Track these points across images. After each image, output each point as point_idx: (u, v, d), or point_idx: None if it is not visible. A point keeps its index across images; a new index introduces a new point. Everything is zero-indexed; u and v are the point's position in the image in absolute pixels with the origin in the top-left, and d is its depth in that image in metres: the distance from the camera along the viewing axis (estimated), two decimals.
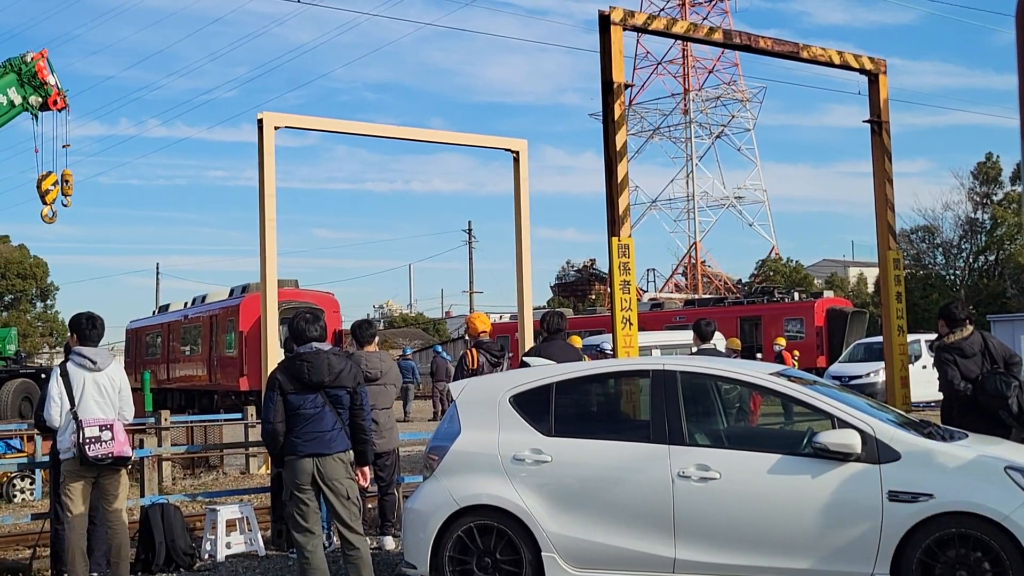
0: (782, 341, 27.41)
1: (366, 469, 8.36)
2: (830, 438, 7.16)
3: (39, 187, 27.94)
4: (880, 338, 27.12)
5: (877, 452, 7.12)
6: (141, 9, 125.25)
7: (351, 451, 8.12)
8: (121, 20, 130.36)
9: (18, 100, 27.32)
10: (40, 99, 27.72)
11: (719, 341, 20.04)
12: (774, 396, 8.06)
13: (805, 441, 7.44)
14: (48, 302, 71.25)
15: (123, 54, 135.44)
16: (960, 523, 6.86)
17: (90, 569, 8.96)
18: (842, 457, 7.14)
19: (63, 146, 28.45)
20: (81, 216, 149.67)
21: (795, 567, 7.18)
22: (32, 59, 27.73)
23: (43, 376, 29.88)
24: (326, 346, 8.19)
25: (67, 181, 28.33)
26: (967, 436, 7.75)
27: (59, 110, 28.28)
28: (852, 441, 7.11)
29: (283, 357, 11.09)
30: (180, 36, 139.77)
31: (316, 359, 8.00)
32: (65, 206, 28.56)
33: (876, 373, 26.53)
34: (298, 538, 8.04)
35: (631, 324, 11.72)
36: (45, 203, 28.04)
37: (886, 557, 6.94)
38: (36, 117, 28.04)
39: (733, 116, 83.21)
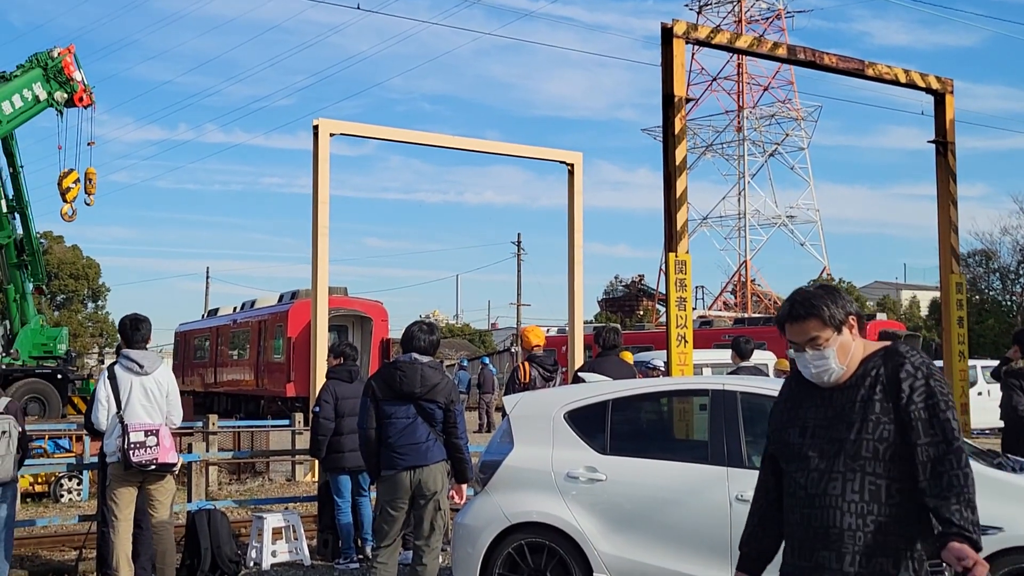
0: None
1: (463, 486, 8.25)
2: None
3: (60, 184, 27.95)
4: (936, 363, 26.69)
5: None
6: (201, 15, 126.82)
7: (448, 462, 8.02)
8: (181, 25, 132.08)
9: (43, 96, 27.33)
10: (65, 95, 27.71)
11: (769, 361, 19.73)
12: None
13: None
14: (99, 303, 72.11)
15: (183, 59, 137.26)
16: None
17: (135, 574, 8.87)
18: None
19: (88, 144, 28.52)
20: (136, 219, 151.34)
21: None
22: (58, 54, 27.70)
23: (59, 377, 29.82)
24: (425, 358, 8.04)
25: (90, 179, 28.28)
26: None
27: (85, 107, 28.26)
28: None
29: (330, 362, 11.05)
30: (239, 42, 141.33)
31: (410, 368, 7.90)
32: (88, 204, 28.61)
33: None
34: (377, 552, 7.98)
35: (686, 341, 11.52)
36: (65, 201, 28.08)
37: None
38: (61, 113, 28.03)
39: (787, 134, 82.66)
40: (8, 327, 31.33)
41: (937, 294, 60.12)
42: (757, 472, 7.21)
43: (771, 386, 8.32)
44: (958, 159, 13.92)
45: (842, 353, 3.87)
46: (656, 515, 7.53)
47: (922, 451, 3.69)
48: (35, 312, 31.68)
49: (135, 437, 8.51)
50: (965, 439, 8.60)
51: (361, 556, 10.75)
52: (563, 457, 7.81)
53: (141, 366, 8.72)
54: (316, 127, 15.93)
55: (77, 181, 27.95)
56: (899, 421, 3.73)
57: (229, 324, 39.13)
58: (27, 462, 9.91)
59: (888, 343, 3.95)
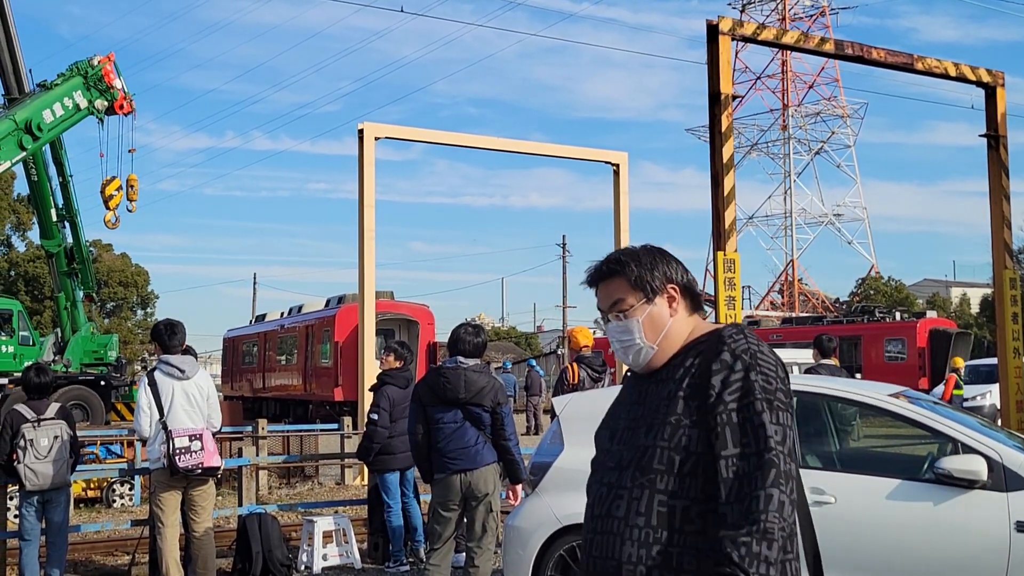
0: (960, 362, 24.98)
1: (518, 487, 8.23)
2: (954, 464, 6.78)
3: (103, 192, 28.16)
4: (986, 360, 26.33)
5: (1004, 480, 6.73)
6: (246, 23, 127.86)
7: (499, 463, 8.01)
8: (226, 34, 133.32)
9: (83, 104, 27.51)
10: (106, 103, 27.88)
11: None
12: (893, 418, 7.70)
13: (926, 466, 7.08)
14: (148, 310, 72.68)
15: (229, 67, 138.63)
16: None
17: None
18: (966, 484, 6.75)
19: (129, 151, 28.72)
20: (183, 226, 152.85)
21: None
22: (98, 63, 27.87)
23: (102, 383, 29.97)
24: (471, 362, 7.97)
25: (132, 186, 28.45)
26: None
27: (125, 114, 28.44)
28: (978, 468, 6.72)
29: (389, 362, 10.86)
30: (284, 49, 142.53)
31: (454, 374, 7.85)
32: (130, 211, 28.81)
33: (983, 396, 25.66)
34: (431, 554, 8.00)
35: None
36: (108, 208, 28.29)
37: None
38: (102, 121, 28.22)
39: (833, 132, 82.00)
40: (59, 335, 31.67)
41: (988, 291, 59.33)
42: (811, 472, 7.18)
43: (831, 385, 8.22)
44: (1009, 154, 13.72)
45: (650, 328, 3.01)
46: None
47: (726, 466, 2.76)
48: (86, 320, 31.98)
49: (180, 443, 8.51)
50: (1021, 434, 8.42)
51: (412, 559, 10.73)
52: None
53: (182, 371, 8.69)
54: (361, 131, 15.97)
55: (119, 188, 28.17)
56: (704, 426, 2.82)
57: (277, 329, 39.29)
58: (79, 468, 9.98)
59: (720, 325, 3.03)
